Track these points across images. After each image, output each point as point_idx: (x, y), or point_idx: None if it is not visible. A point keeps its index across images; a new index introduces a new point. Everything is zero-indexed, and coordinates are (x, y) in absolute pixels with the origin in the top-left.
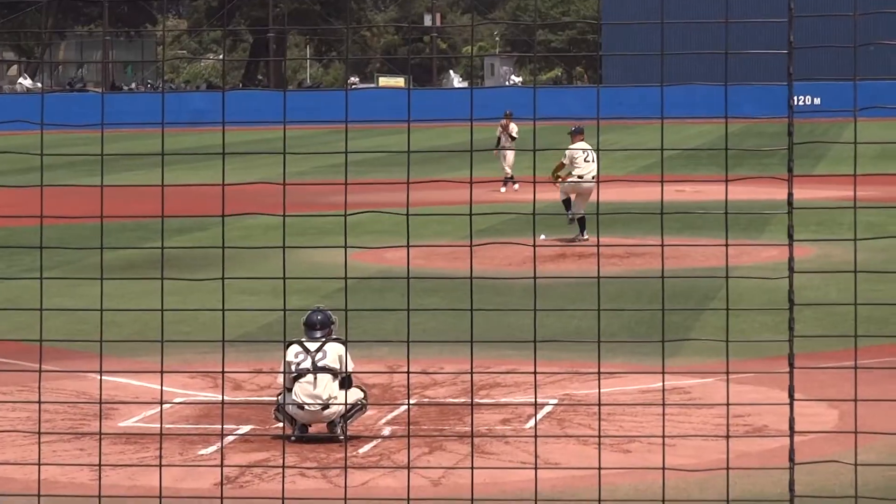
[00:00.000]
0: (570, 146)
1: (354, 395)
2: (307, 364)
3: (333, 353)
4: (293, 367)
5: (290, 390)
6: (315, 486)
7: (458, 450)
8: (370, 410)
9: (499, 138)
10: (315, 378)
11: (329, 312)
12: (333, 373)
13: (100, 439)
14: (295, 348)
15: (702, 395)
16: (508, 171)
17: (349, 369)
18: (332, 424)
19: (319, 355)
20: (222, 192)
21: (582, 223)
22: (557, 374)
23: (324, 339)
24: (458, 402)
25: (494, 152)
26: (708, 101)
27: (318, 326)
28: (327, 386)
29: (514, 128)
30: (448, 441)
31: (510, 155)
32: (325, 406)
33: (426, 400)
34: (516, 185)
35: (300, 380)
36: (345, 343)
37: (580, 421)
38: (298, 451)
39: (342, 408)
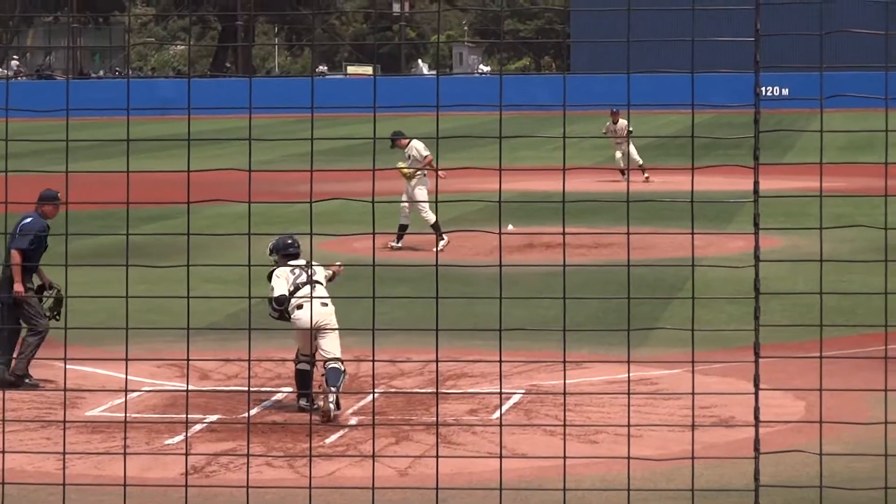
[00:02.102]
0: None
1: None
2: (303, 278)
3: (320, 269)
4: (291, 283)
5: (287, 310)
6: (282, 475)
7: (425, 440)
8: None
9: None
10: (313, 287)
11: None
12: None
13: (64, 428)
14: (287, 269)
15: (669, 385)
16: (638, 159)
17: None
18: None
19: (311, 270)
20: (187, 180)
21: None
22: (523, 363)
23: (307, 261)
24: (424, 391)
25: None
26: (677, 90)
27: (294, 246)
28: (323, 293)
29: (623, 123)
30: (415, 431)
31: (631, 150)
32: (325, 304)
33: (393, 390)
34: (646, 174)
35: (297, 293)
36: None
37: (547, 411)
38: (265, 441)
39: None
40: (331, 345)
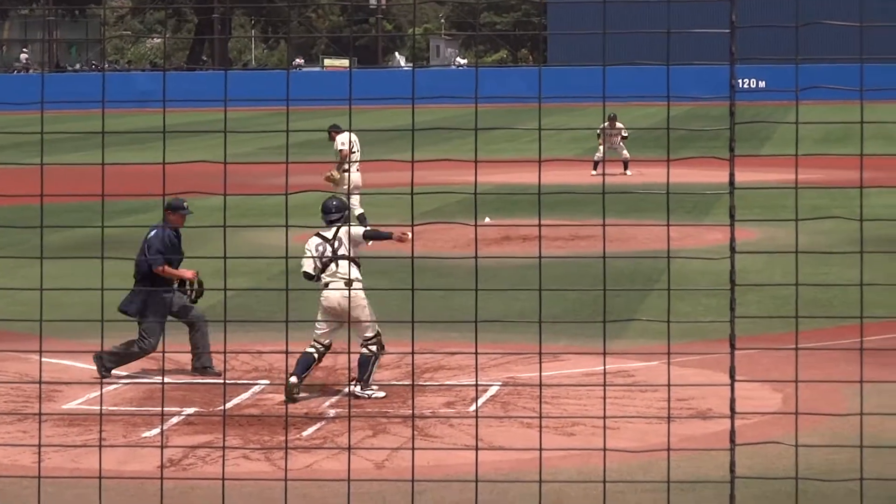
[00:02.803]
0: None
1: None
2: (328, 253)
3: (345, 240)
4: (317, 260)
5: (319, 280)
6: (258, 468)
7: (402, 432)
8: (314, 393)
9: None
10: (337, 264)
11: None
12: (352, 259)
13: (39, 421)
14: (315, 240)
15: (646, 377)
16: (627, 155)
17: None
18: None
19: (336, 244)
20: (163, 172)
21: None
22: (500, 355)
23: (338, 225)
24: (401, 384)
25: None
26: (654, 83)
27: (333, 210)
28: (349, 270)
29: (619, 126)
30: (392, 424)
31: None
32: (349, 282)
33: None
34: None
35: (326, 270)
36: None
37: (524, 404)
38: (242, 434)
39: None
40: (361, 329)
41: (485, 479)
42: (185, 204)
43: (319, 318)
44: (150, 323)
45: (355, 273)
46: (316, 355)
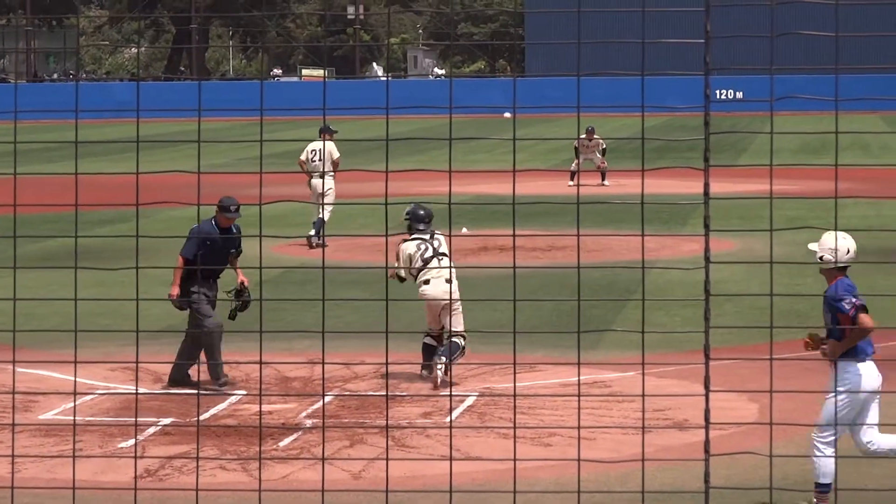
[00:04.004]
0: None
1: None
2: (430, 253)
3: (444, 240)
4: (418, 258)
5: (415, 278)
6: (235, 479)
7: (378, 443)
8: (291, 403)
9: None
10: (439, 260)
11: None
12: (449, 257)
13: (13, 431)
14: (412, 245)
15: (622, 388)
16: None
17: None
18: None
19: (436, 243)
20: (136, 182)
21: None
22: (477, 365)
23: (432, 230)
24: (377, 394)
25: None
26: (631, 94)
27: (426, 220)
28: (448, 268)
29: (597, 138)
30: (369, 434)
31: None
32: (448, 280)
33: (346, 393)
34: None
35: (427, 267)
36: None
37: (501, 414)
38: (218, 444)
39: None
40: (454, 321)
41: (460, 490)
42: (232, 206)
43: (425, 310)
44: (198, 305)
45: (453, 274)
46: (434, 341)
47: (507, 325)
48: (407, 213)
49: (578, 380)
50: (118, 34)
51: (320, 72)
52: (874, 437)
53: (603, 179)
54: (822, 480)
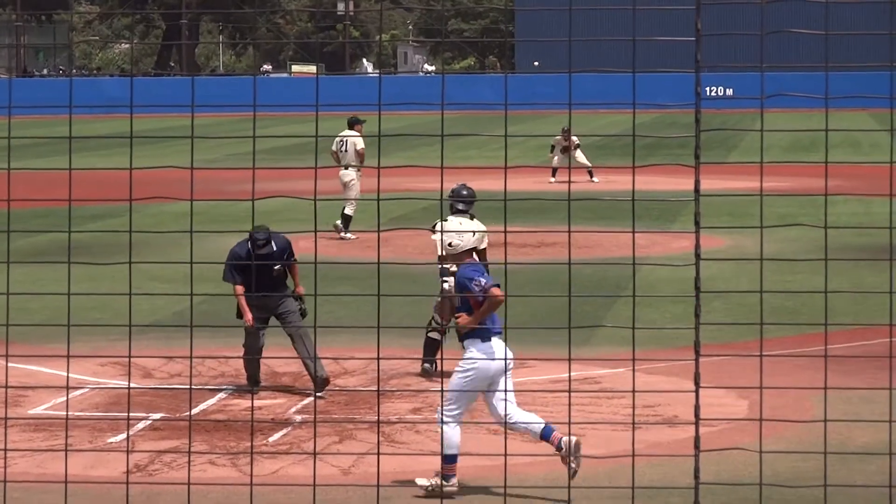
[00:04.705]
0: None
1: None
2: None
3: (481, 233)
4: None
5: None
6: (225, 474)
7: (368, 438)
8: (281, 399)
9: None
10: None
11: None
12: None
13: (6, 426)
14: (456, 222)
15: (613, 384)
16: (588, 163)
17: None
18: None
19: (472, 235)
20: (129, 177)
21: None
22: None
23: (472, 216)
24: (367, 390)
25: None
26: (621, 90)
27: (468, 199)
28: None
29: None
30: (359, 430)
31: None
32: None
33: (336, 388)
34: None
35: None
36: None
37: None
38: (208, 440)
39: None
40: None
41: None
42: (258, 236)
43: (435, 305)
44: (289, 319)
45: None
46: (439, 336)
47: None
48: (451, 192)
49: (569, 376)
50: (108, 30)
51: (310, 68)
52: (511, 411)
53: (592, 177)
54: (448, 452)
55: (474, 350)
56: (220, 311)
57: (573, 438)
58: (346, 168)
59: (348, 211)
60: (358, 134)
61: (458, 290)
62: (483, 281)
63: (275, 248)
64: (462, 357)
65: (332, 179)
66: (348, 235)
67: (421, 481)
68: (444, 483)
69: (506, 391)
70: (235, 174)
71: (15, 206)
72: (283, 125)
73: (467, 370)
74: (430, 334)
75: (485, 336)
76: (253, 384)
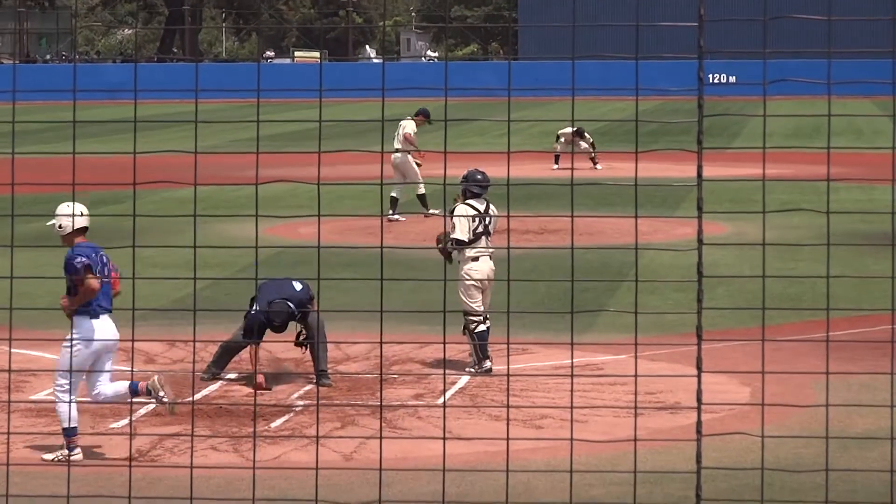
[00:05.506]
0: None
1: None
2: (481, 228)
3: (495, 218)
4: (470, 231)
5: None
6: (227, 459)
7: (370, 424)
8: (283, 385)
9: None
10: (488, 238)
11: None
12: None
13: (8, 410)
14: (470, 210)
15: (615, 370)
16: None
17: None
18: None
19: (487, 219)
20: (133, 163)
21: None
22: (468, 346)
23: (487, 200)
24: (369, 375)
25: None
26: (624, 77)
27: (482, 184)
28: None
29: (584, 145)
30: (360, 415)
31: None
32: (490, 255)
33: (338, 373)
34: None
35: (476, 243)
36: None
37: (493, 396)
38: (210, 425)
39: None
40: (488, 301)
41: (452, 470)
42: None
43: (463, 291)
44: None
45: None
46: (486, 326)
47: (501, 306)
48: (465, 176)
49: (572, 362)
50: (111, 15)
51: (312, 54)
52: (101, 388)
53: (595, 164)
54: (66, 425)
55: (83, 327)
56: (221, 297)
57: (153, 377)
58: (397, 151)
59: (396, 193)
60: (412, 121)
61: (65, 269)
62: (84, 261)
63: (293, 309)
64: (70, 334)
65: (337, 166)
66: (424, 213)
67: (47, 456)
68: (70, 454)
69: (103, 371)
70: (237, 159)
71: (17, 192)
72: (284, 111)
73: (77, 345)
74: (486, 325)
75: (93, 313)
76: (211, 372)
